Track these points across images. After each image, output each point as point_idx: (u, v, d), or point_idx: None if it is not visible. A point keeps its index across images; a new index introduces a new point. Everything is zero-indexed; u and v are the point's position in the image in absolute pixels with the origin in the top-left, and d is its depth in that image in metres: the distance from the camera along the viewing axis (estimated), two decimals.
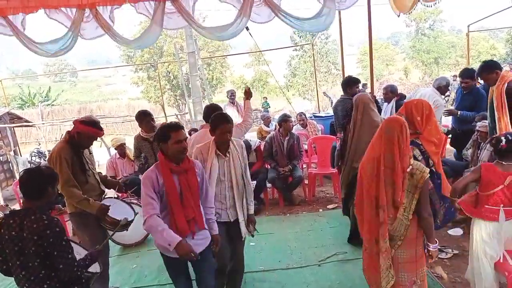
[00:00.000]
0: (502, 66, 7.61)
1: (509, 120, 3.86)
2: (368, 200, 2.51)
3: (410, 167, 2.40)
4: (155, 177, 2.58)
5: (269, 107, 20.70)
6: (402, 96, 5.27)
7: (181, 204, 2.61)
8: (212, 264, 2.90)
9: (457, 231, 4.45)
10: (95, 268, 2.53)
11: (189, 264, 2.82)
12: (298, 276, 3.87)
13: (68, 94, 42.73)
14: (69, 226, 4.97)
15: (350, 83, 4.99)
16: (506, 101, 3.88)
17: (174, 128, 2.60)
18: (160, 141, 2.63)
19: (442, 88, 5.45)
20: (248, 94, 4.11)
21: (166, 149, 2.60)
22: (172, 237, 2.47)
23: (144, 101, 27.72)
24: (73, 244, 2.57)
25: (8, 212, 2.37)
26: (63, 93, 33.53)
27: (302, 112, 8.03)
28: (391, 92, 5.72)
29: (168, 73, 25.42)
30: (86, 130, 3.30)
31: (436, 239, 2.52)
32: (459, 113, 5.15)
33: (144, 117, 4.65)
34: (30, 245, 2.12)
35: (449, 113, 5.32)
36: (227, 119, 2.99)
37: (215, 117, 3.01)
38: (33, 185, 2.26)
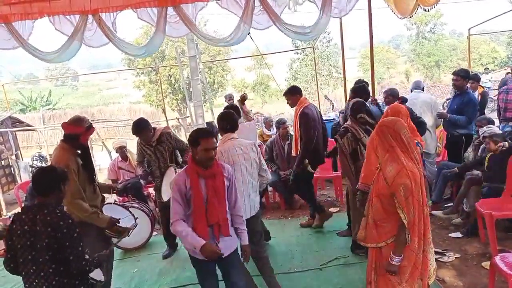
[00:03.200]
0: (504, 68, 7.59)
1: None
2: (418, 202, 2.44)
3: None
4: (183, 181, 2.61)
5: None
6: (404, 100, 5.27)
7: (205, 208, 2.62)
8: (240, 270, 2.89)
9: (457, 234, 4.44)
10: (99, 276, 2.54)
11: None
12: (300, 280, 3.86)
13: (70, 98, 42.87)
14: None
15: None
16: (298, 123, 4.54)
17: (204, 135, 2.61)
18: (191, 145, 2.67)
19: None
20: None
21: (195, 154, 2.63)
22: (196, 240, 2.54)
23: (145, 105, 27.78)
24: None
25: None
26: (65, 97, 33.68)
27: None
28: (391, 96, 5.72)
29: (169, 77, 25.47)
30: (75, 131, 3.21)
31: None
32: (448, 116, 5.17)
33: (138, 133, 4.37)
34: (43, 237, 2.20)
35: (440, 115, 5.33)
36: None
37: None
38: (46, 182, 2.35)
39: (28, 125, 12.06)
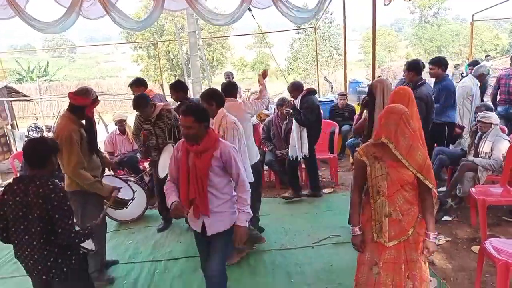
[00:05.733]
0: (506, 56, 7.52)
1: None
2: None
3: None
4: (177, 150, 2.70)
5: None
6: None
7: (187, 182, 2.63)
8: (224, 250, 2.77)
9: (448, 218, 4.52)
10: (90, 245, 2.57)
11: None
12: (292, 257, 3.92)
13: (67, 70, 42.31)
14: None
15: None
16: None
17: (183, 112, 2.57)
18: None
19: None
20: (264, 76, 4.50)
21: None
22: (169, 198, 2.66)
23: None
24: None
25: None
26: (62, 69, 33.19)
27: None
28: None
29: (168, 52, 25.19)
30: (81, 102, 3.23)
31: (357, 223, 2.55)
32: None
33: (139, 109, 4.31)
34: (35, 209, 2.21)
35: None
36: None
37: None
38: (36, 154, 2.34)
39: (25, 96, 11.95)
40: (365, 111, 3.90)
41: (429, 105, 4.33)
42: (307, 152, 5.14)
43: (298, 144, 5.13)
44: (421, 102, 4.08)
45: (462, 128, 5.18)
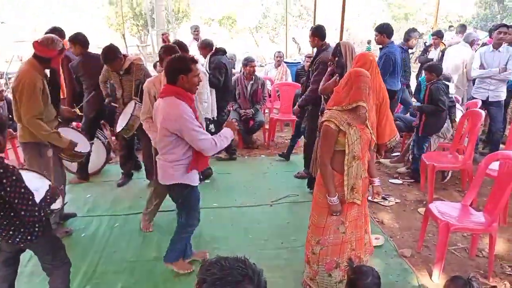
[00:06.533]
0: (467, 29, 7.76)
1: None
2: None
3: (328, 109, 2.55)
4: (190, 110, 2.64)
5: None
6: None
7: None
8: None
9: (398, 181, 4.81)
10: (57, 205, 2.51)
11: None
12: (251, 213, 4.05)
13: (20, 11, 39.09)
14: (20, 152, 4.80)
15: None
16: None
17: (194, 61, 2.62)
18: (181, 73, 2.57)
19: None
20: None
21: (186, 81, 2.58)
22: (226, 132, 2.75)
23: (104, 27, 26.02)
24: (29, 173, 2.53)
25: None
26: (13, 10, 30.58)
27: (280, 51, 7.82)
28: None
29: (131, 0, 23.80)
30: (47, 54, 3.06)
31: (334, 193, 2.48)
32: None
33: (109, 63, 4.11)
34: None
35: None
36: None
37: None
38: None
39: None
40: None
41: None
42: (215, 114, 4.82)
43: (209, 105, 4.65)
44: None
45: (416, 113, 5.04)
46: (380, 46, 4.97)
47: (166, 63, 2.72)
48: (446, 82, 4.83)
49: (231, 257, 1.12)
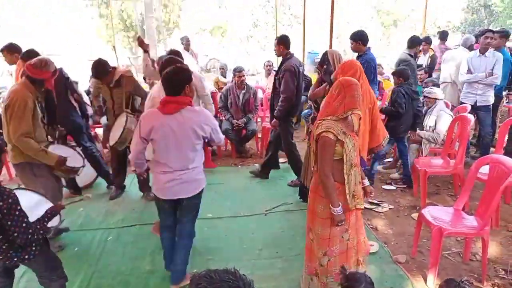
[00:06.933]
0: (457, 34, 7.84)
1: None
2: None
3: (322, 120, 2.51)
4: None
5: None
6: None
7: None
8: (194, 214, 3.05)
9: (391, 187, 4.83)
10: (55, 223, 2.50)
11: None
12: (245, 223, 4.04)
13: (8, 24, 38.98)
14: (11, 166, 4.76)
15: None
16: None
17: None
18: (186, 83, 2.67)
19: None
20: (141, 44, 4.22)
21: (189, 90, 2.70)
22: None
23: (94, 40, 26.00)
24: (28, 192, 2.52)
25: None
26: None
27: (269, 60, 7.86)
28: None
29: (121, 12, 23.84)
30: (41, 76, 3.09)
31: (338, 203, 2.44)
32: None
33: (99, 77, 4.17)
34: None
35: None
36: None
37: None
38: None
39: None
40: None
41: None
42: None
43: None
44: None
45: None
46: (357, 53, 4.99)
47: (168, 75, 2.68)
48: (433, 88, 4.90)
49: (220, 269, 1.12)
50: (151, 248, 3.58)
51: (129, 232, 3.89)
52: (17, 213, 2.09)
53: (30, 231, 2.13)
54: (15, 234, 2.09)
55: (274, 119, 4.64)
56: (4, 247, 2.18)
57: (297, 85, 4.49)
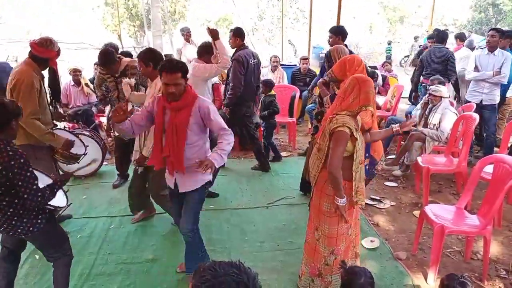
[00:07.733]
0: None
1: None
2: None
3: (336, 115, 2.49)
4: (154, 103, 2.64)
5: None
6: None
7: (161, 140, 2.64)
8: (196, 208, 2.82)
9: (392, 183, 4.82)
10: (62, 202, 2.52)
11: None
12: (247, 216, 4.05)
13: (18, 11, 38.88)
14: None
15: None
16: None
17: (166, 69, 2.44)
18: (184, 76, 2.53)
19: None
20: (214, 34, 4.12)
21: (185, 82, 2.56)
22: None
23: (100, 28, 25.92)
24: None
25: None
26: (11, 11, 30.43)
27: (276, 55, 7.83)
28: None
29: (127, 1, 23.76)
30: (45, 54, 3.09)
31: (343, 195, 2.45)
32: None
33: (106, 66, 4.15)
34: None
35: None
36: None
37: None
38: None
39: None
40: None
41: None
42: None
43: None
44: None
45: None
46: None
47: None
48: (439, 86, 4.87)
49: (225, 261, 1.11)
50: (153, 237, 3.61)
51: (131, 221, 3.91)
52: (28, 174, 2.14)
53: (40, 194, 2.18)
54: (25, 196, 2.14)
55: (226, 108, 4.80)
56: (9, 213, 2.21)
57: (245, 74, 4.65)
